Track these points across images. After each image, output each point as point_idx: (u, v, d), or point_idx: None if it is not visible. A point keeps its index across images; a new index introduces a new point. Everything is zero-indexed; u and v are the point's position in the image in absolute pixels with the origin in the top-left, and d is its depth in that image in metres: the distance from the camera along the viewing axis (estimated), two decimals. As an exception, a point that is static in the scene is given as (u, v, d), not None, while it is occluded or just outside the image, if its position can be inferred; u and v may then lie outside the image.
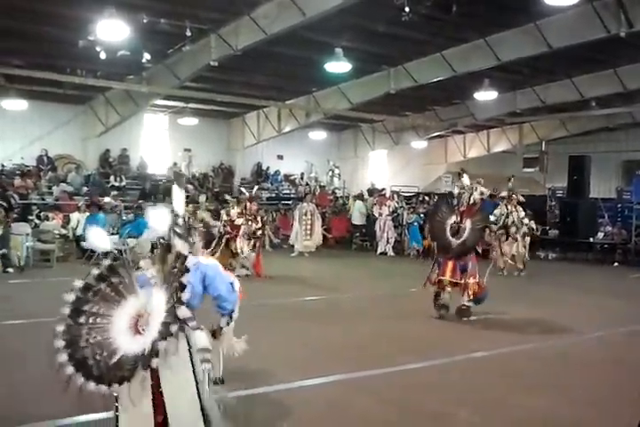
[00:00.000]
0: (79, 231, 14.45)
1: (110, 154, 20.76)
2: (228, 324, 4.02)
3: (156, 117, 22.53)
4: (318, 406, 4.69)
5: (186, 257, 3.53)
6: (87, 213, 14.70)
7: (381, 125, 25.76)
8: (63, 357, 3.38)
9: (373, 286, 10.95)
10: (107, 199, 16.31)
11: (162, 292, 3.43)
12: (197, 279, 3.71)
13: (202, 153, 22.15)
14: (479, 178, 8.92)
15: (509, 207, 12.99)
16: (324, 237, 17.29)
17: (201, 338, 3.54)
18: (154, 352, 3.26)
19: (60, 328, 3.39)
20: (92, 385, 3.33)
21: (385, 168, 28.41)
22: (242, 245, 11.58)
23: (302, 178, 22.60)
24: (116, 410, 3.47)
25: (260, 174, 24.40)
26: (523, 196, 19.20)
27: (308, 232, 15.91)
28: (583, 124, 24.81)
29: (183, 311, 3.35)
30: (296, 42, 14.66)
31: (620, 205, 19.27)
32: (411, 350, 6.43)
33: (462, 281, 8.14)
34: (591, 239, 16.98)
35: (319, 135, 25.09)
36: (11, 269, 11.45)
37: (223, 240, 11.53)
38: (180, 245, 3.60)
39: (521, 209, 13.10)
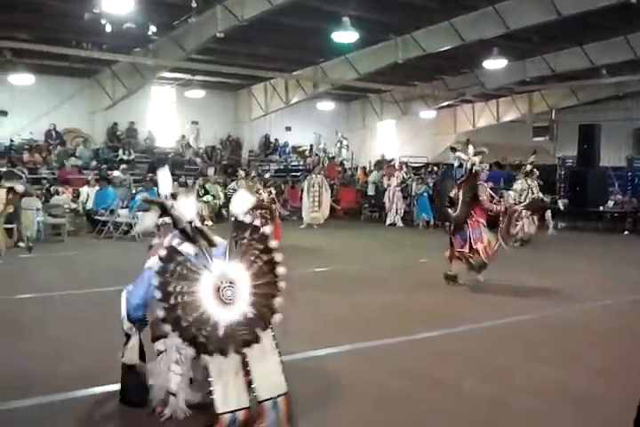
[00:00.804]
0: (89, 205, 14.55)
1: (118, 127, 20.77)
2: None
3: (163, 90, 22.46)
4: (329, 377, 4.75)
5: (259, 228, 3.69)
6: (97, 188, 14.78)
7: (389, 95, 25.57)
8: (177, 340, 3.47)
9: (382, 258, 10.99)
10: (115, 173, 16.37)
11: (238, 263, 3.60)
12: None
13: (209, 126, 22.13)
14: (483, 148, 8.87)
15: (529, 182, 12.78)
16: (333, 208, 17.32)
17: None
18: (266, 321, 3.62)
19: (161, 313, 3.41)
20: (216, 357, 3.46)
21: (393, 139, 28.28)
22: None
23: (311, 150, 22.56)
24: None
25: (267, 146, 24.35)
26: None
27: (317, 204, 15.92)
28: (593, 92, 24.53)
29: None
30: (302, 11, 14.52)
31: (630, 174, 19.16)
32: (420, 320, 6.48)
33: (476, 247, 8.24)
34: (601, 208, 16.92)
35: (327, 106, 24.95)
36: (22, 244, 11.55)
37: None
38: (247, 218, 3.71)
39: (537, 184, 12.90)
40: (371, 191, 18.82)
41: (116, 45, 16.59)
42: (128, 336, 4.07)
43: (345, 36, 14.94)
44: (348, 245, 12.85)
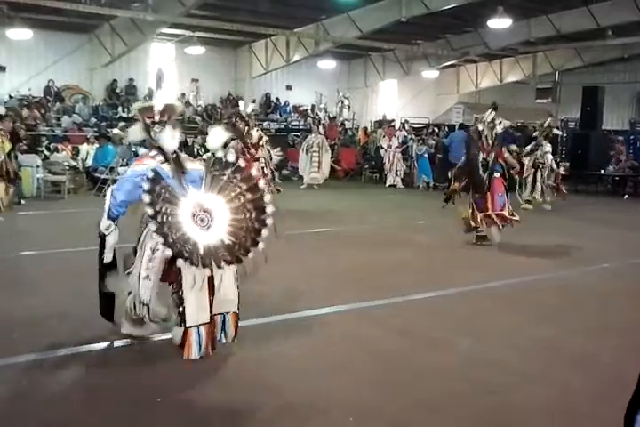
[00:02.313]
0: (89, 163, 14.51)
1: (117, 84, 20.53)
2: None
3: (163, 47, 22.12)
4: (327, 335, 4.82)
5: (243, 169, 4.13)
6: (96, 145, 14.71)
7: (392, 54, 25.22)
8: (168, 252, 3.91)
9: (382, 218, 11.01)
10: (115, 131, 16.26)
11: (216, 195, 4.07)
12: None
13: (209, 83, 21.89)
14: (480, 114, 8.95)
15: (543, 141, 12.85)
16: (333, 169, 17.27)
17: None
18: (248, 248, 4.05)
19: (154, 227, 3.90)
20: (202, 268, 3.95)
21: (395, 99, 28.02)
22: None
23: (313, 110, 22.34)
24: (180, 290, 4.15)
25: (268, 105, 24.13)
26: (534, 127, 19.08)
27: (316, 164, 15.85)
28: (598, 54, 24.19)
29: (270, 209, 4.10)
30: (305, -33, 14.22)
31: (632, 137, 19.05)
32: (418, 280, 6.54)
33: (502, 212, 8.43)
34: (602, 171, 16.88)
35: (328, 65, 24.62)
36: (23, 201, 11.57)
37: None
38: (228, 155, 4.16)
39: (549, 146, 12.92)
40: (372, 152, 18.76)
41: (115, 0, 16.29)
42: (102, 238, 4.38)
43: (348, -8, 14.68)
44: (347, 206, 12.87)
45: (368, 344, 4.61)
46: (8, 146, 9.72)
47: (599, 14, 18.64)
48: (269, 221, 4.09)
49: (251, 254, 4.07)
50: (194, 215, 4.01)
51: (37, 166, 12.67)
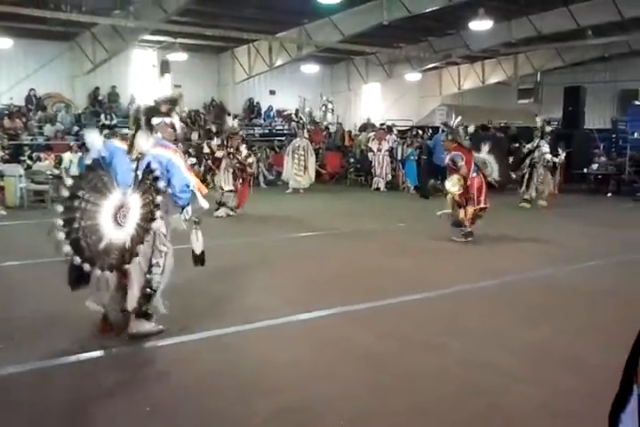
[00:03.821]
0: (72, 171, 14.39)
1: (100, 92, 20.41)
2: (181, 213, 4.78)
3: (145, 53, 22.05)
4: (315, 339, 4.80)
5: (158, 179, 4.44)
6: (79, 154, 14.59)
7: (374, 58, 25.31)
8: (61, 235, 3.96)
9: (367, 222, 11.01)
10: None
11: (136, 191, 4.34)
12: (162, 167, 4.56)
13: (192, 89, 21.79)
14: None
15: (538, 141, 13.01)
16: (319, 173, 17.25)
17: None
18: (134, 253, 4.31)
19: (60, 209, 3.97)
20: (87, 266, 4.04)
21: (378, 102, 28.09)
22: (224, 180, 11.10)
23: (297, 114, 22.34)
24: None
25: (252, 110, 24.11)
26: (518, 128, 19.21)
27: (301, 168, 15.83)
28: (579, 53, 24.42)
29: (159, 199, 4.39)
30: (286, -29, 14.23)
31: (614, 136, 19.20)
32: (404, 283, 6.53)
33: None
34: (585, 170, 16.99)
35: (311, 69, 24.67)
36: (4, 212, 11.44)
37: (208, 175, 11.39)
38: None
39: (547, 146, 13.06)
40: (357, 155, 18.76)
41: (96, 7, 16.22)
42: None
43: (329, -4, 14.70)
44: (332, 210, 12.86)
45: (358, 348, 4.60)
46: None
47: (579, 15, 18.79)
48: (155, 226, 4.42)
49: (129, 266, 4.36)
50: (118, 211, 4.23)
51: (20, 176, 12.55)
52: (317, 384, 3.97)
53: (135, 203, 4.33)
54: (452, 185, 8.62)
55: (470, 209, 8.71)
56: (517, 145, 15.88)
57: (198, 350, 4.56)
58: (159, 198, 4.44)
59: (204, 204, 4.88)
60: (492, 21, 17.44)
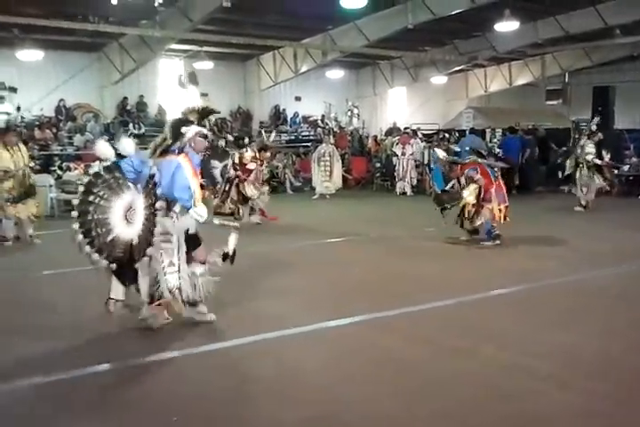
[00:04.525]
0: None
1: (128, 101, 20.67)
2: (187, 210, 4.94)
3: (172, 63, 22.29)
4: (344, 346, 4.79)
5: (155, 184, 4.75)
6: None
7: (400, 62, 25.26)
8: (76, 225, 4.60)
9: (393, 227, 10.95)
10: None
11: (142, 193, 4.74)
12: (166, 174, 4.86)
13: (219, 97, 21.96)
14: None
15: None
16: (345, 178, 17.24)
17: (163, 223, 4.79)
18: (142, 252, 4.64)
19: (76, 202, 4.64)
20: (95, 256, 4.60)
21: (404, 106, 28.02)
22: (252, 190, 11.14)
23: (323, 120, 22.39)
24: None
25: (278, 117, 24.20)
26: (546, 129, 18.98)
27: (328, 174, 15.84)
28: (607, 53, 24.10)
29: (158, 204, 4.72)
30: (309, -23, 14.29)
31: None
32: (431, 288, 6.48)
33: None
34: (615, 171, 16.71)
35: (337, 74, 24.69)
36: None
37: (233, 184, 11.40)
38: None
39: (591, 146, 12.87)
40: (383, 160, 18.70)
41: (123, 18, 16.46)
42: None
43: (354, 1, 14.70)
44: (359, 216, 12.81)
45: (385, 354, 4.57)
46: (25, 158, 9.57)
47: (606, 14, 18.57)
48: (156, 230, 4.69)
49: (137, 264, 4.75)
50: (128, 209, 4.73)
51: (50, 186, 12.74)
52: (345, 391, 3.95)
53: (140, 204, 4.74)
54: (469, 194, 8.60)
55: (494, 206, 8.63)
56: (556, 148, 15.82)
57: (225, 359, 4.57)
58: (159, 203, 4.74)
59: (199, 214, 4.92)
60: (517, 22, 17.30)
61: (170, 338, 4.92)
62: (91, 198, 4.64)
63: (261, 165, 11.49)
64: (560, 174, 12.33)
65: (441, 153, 9.20)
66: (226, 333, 5.00)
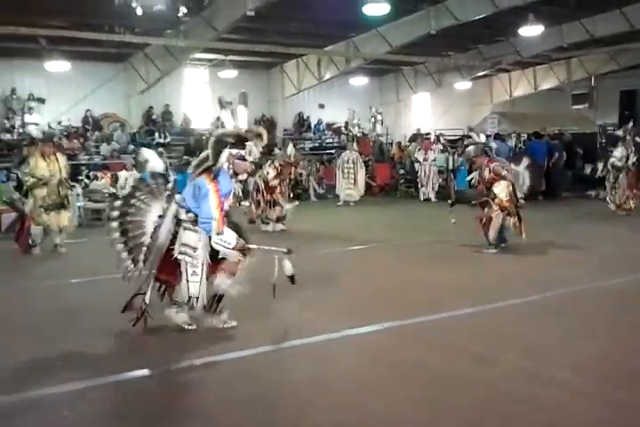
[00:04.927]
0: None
1: (153, 111, 20.89)
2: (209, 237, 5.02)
3: (197, 71, 22.50)
4: (366, 354, 4.78)
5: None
6: (135, 171, 14.92)
7: (423, 67, 25.22)
8: (114, 224, 4.93)
9: (415, 234, 10.90)
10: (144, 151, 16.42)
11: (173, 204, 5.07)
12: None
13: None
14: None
15: (628, 149, 12.69)
16: (369, 185, 17.22)
17: (189, 236, 5.00)
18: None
19: (119, 202, 4.99)
20: (124, 255, 4.93)
21: (428, 112, 27.94)
22: (282, 201, 11.33)
23: (347, 127, 22.42)
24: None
25: (302, 124, 24.27)
26: (572, 134, 18.78)
27: (352, 181, 15.83)
28: (634, 56, 23.79)
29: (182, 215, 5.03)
30: (332, -15, 14.34)
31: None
32: (455, 296, 6.43)
33: None
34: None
35: (360, 81, 24.72)
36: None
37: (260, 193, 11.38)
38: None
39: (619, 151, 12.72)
40: (407, 166, 18.66)
41: (148, 28, 16.64)
42: None
43: (376, 8, 14.72)
44: (382, 223, 12.77)
45: (406, 363, 4.55)
46: (62, 170, 9.66)
47: (633, 16, 18.36)
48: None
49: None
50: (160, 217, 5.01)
51: (78, 195, 12.89)
52: (368, 398, 3.95)
53: (171, 213, 5.03)
54: (501, 191, 8.50)
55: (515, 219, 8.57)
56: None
57: (249, 366, 4.58)
58: (186, 215, 5.02)
59: (224, 241, 4.95)
60: (542, 26, 17.19)
61: (194, 346, 4.95)
62: (132, 201, 4.97)
63: (284, 181, 11.46)
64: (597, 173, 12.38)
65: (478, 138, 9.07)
66: (249, 340, 5.00)
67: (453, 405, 3.85)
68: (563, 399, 3.87)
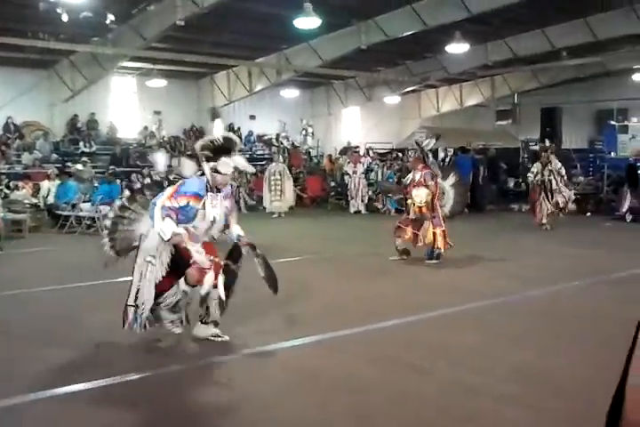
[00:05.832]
0: (50, 200, 14.25)
1: (78, 119, 20.33)
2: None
3: (124, 80, 22.07)
4: (298, 367, 4.72)
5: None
6: (58, 181, 14.48)
7: (354, 82, 25.50)
8: (105, 233, 5.27)
9: (347, 246, 10.95)
10: (78, 166, 16.04)
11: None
12: None
13: (172, 115, 21.82)
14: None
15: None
16: (300, 197, 17.23)
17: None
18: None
19: (112, 214, 5.30)
20: (113, 256, 5.21)
21: (358, 125, 28.24)
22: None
23: (277, 139, 22.39)
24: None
25: (232, 135, 24.05)
26: (496, 149, 19.35)
27: (279, 193, 15.84)
28: (555, 74, 24.76)
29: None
30: (263, -2, 14.34)
31: (592, 156, 19.39)
32: (387, 307, 6.47)
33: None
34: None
35: (291, 93, 24.79)
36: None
37: None
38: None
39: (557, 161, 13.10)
40: (338, 179, 18.79)
41: (74, 35, 16.20)
42: None
43: (307, 22, 14.78)
44: (313, 234, 12.82)
45: (342, 374, 4.51)
46: None
47: (553, 36, 19.09)
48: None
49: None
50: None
51: (-3, 205, 12.38)
52: (301, 409, 3.88)
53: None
54: (417, 195, 8.78)
55: (438, 230, 8.81)
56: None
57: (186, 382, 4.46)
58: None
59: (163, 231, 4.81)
60: (468, 44, 17.67)
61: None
62: (126, 214, 5.23)
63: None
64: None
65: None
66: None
67: (386, 415, 3.83)
68: (491, 408, 3.91)
